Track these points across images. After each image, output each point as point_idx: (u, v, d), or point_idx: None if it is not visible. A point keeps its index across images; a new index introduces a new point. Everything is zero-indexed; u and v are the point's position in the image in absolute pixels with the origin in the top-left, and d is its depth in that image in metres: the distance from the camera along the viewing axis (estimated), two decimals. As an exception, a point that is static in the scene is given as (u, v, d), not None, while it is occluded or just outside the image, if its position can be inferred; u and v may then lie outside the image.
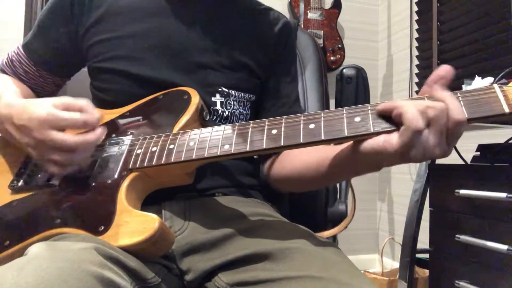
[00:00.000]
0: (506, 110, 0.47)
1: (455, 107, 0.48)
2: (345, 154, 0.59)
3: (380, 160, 0.54)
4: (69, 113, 0.60)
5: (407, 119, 0.48)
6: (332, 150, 0.63)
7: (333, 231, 0.82)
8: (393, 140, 0.50)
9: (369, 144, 0.52)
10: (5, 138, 0.68)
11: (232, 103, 0.77)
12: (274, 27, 0.85)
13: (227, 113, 0.76)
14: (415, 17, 2.29)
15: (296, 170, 0.72)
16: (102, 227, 0.55)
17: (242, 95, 0.79)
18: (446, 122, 0.48)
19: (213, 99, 0.75)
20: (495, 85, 0.49)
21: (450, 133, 0.49)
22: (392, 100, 0.52)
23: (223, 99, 0.76)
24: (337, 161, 0.61)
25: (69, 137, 0.59)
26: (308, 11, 2.38)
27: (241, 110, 0.79)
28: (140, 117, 0.71)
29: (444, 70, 0.51)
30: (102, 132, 0.63)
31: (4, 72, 0.84)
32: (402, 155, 0.50)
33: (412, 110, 0.48)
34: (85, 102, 0.62)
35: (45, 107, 0.60)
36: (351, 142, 0.56)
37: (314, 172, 0.67)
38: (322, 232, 0.79)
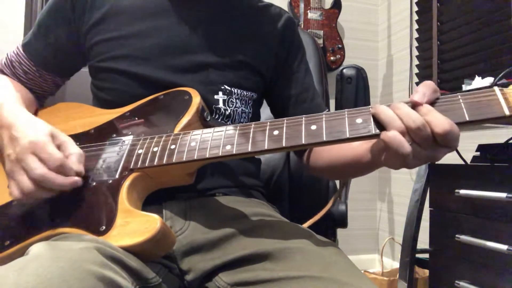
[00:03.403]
0: (507, 112, 0.47)
1: (435, 119, 0.48)
2: (364, 151, 0.61)
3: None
4: (54, 150, 0.58)
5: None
6: (357, 144, 0.64)
7: (312, 220, 0.84)
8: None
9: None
10: None
11: (234, 101, 0.77)
12: (277, 23, 0.84)
13: (229, 111, 0.76)
14: (415, 17, 2.29)
15: (330, 162, 0.74)
16: (104, 227, 0.55)
17: (245, 93, 0.79)
18: (430, 135, 0.48)
19: (215, 97, 0.75)
20: (496, 88, 0.49)
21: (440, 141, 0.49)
22: (391, 101, 0.52)
23: (225, 97, 0.76)
24: (360, 155, 0.63)
25: (39, 168, 0.57)
26: (308, 11, 2.38)
27: (243, 108, 0.79)
28: (141, 117, 0.70)
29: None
30: (73, 183, 0.58)
31: (3, 72, 0.83)
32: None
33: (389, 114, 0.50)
34: (77, 151, 0.61)
35: (42, 132, 0.59)
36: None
37: (344, 163, 0.69)
38: (304, 223, 0.80)
